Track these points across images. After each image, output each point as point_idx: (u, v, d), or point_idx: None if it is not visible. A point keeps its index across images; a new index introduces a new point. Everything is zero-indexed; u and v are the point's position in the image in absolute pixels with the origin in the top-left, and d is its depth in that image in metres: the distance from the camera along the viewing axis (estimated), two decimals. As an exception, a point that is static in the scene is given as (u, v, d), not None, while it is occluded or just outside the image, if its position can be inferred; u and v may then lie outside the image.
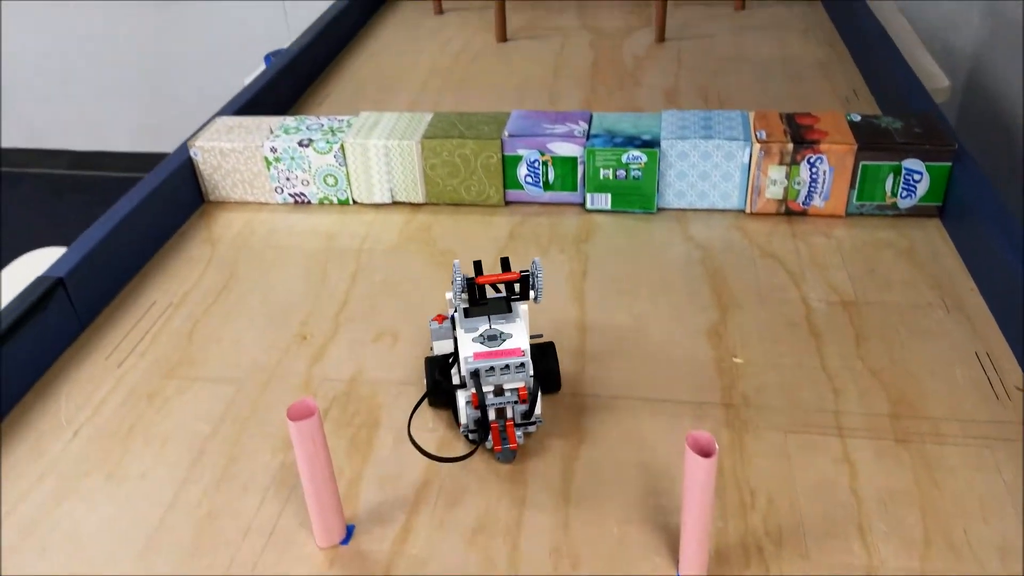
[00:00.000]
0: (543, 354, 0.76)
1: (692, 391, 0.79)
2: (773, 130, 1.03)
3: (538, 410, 0.72)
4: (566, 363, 0.84)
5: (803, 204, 1.03)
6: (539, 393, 0.71)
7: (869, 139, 1.00)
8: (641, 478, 0.71)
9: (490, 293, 0.74)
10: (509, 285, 0.73)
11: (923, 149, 0.98)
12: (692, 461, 0.56)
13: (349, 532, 0.69)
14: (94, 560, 0.67)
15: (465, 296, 0.72)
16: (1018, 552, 0.62)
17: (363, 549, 0.67)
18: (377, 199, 1.14)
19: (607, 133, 1.07)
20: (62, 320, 0.92)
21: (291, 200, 1.16)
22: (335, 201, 1.15)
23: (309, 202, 1.16)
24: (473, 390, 0.69)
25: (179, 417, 0.81)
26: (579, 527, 0.67)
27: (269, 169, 1.14)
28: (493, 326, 0.69)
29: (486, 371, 0.68)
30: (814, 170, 1.00)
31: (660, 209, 1.09)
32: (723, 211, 1.07)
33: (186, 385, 0.85)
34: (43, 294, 0.90)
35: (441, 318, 0.76)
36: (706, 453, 0.56)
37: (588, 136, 1.07)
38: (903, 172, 0.99)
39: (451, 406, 0.76)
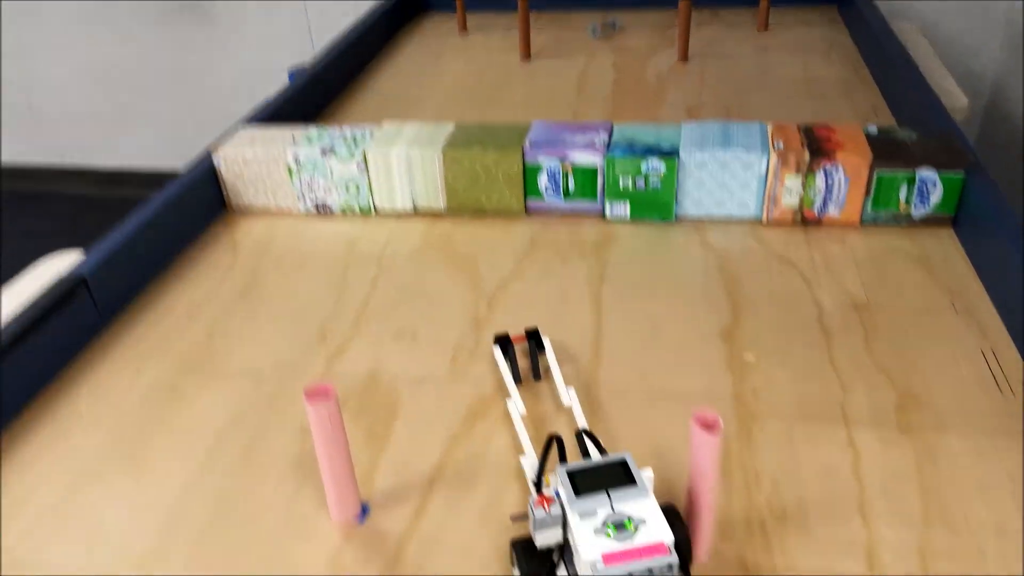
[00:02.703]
0: (669, 523, 0.57)
1: (703, 386, 0.84)
2: (790, 140, 1.08)
3: None
4: (584, 361, 0.89)
5: (818, 213, 1.08)
6: None
7: (884, 149, 1.05)
8: (651, 464, 0.75)
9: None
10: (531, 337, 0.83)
11: (937, 159, 1.03)
12: (698, 437, 0.61)
13: (364, 511, 0.74)
14: (112, 541, 0.72)
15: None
16: (1016, 533, 0.66)
17: (378, 527, 0.72)
18: (399, 207, 1.20)
19: (627, 143, 1.13)
20: (84, 318, 0.98)
21: (313, 209, 1.22)
22: (356, 209, 1.22)
23: (331, 210, 1.22)
24: None
25: (198, 410, 0.87)
26: (588, 507, 0.72)
27: (292, 178, 1.20)
28: (616, 507, 0.55)
29: None
30: (830, 179, 1.06)
31: (678, 218, 1.14)
32: (740, 220, 1.12)
33: (205, 381, 0.91)
34: (67, 291, 0.96)
35: (546, 500, 0.57)
36: (711, 429, 0.60)
37: (608, 146, 1.13)
38: (917, 181, 1.04)
39: None
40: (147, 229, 1.09)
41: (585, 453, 0.69)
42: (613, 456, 0.61)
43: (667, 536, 0.54)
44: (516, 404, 0.80)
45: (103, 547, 0.72)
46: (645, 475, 0.60)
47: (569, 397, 0.80)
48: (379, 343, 0.95)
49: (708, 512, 0.65)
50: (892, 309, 0.93)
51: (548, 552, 0.58)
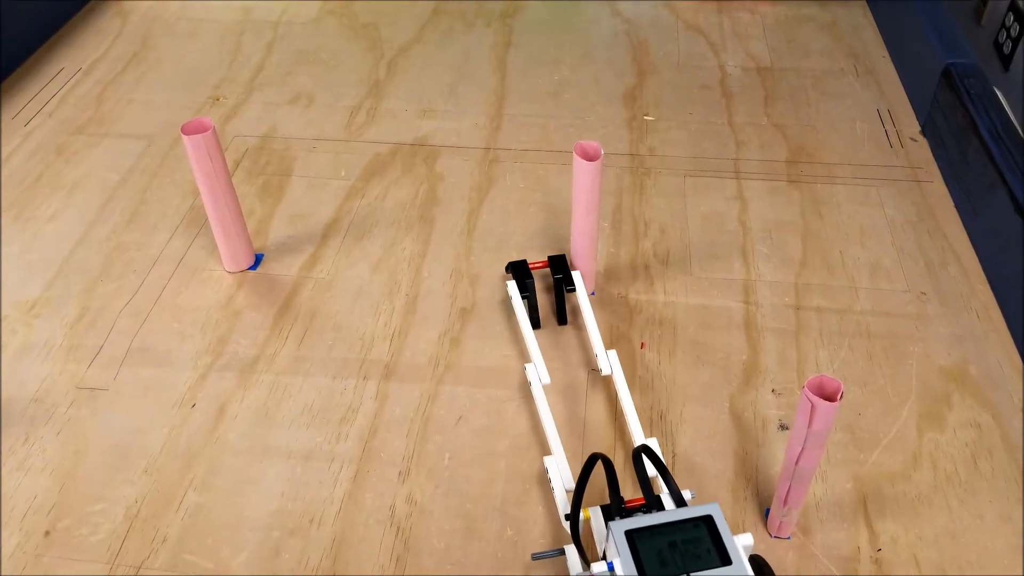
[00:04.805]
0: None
1: (601, 143, 0.84)
2: (704, -99, 1.05)
3: None
4: (483, 123, 0.89)
5: (731, -20, 1.07)
6: None
7: (800, -89, 1.03)
8: (541, 214, 0.77)
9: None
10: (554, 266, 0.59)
11: (853, -79, 1.02)
12: (579, 166, 0.62)
13: (258, 260, 0.74)
14: (6, 282, 0.72)
15: None
16: (888, 269, 0.70)
17: (271, 274, 0.72)
18: (297, -27, 1.15)
19: (536, -96, 1.09)
20: (-36, 76, 0.94)
21: (206, -26, 1.16)
22: (253, -25, 1.16)
23: (225, -24, 1.16)
24: None
25: (88, 168, 0.85)
26: (479, 254, 0.73)
27: (181, -63, 1.13)
28: None
29: None
30: (743, -57, 1.04)
31: (589, -12, 1.11)
32: (652, -11, 1.10)
33: (96, 141, 0.89)
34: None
35: None
36: (591, 158, 0.61)
37: (516, -94, 1.08)
38: (831, -55, 1.03)
39: None
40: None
41: (643, 477, 0.47)
42: (694, 509, 0.42)
43: None
44: (538, 370, 0.57)
45: (-15, 294, 0.72)
46: (741, 543, 0.42)
47: (609, 363, 0.58)
48: (274, 106, 0.93)
49: (590, 241, 0.66)
50: (795, 72, 0.94)
51: None
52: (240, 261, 0.73)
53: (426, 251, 0.74)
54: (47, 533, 0.55)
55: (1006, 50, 0.75)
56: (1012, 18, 0.74)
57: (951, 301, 0.68)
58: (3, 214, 0.80)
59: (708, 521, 0.43)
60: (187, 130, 0.64)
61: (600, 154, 0.60)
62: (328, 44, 1.02)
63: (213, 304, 0.70)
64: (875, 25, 1.00)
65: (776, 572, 0.50)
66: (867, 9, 1.03)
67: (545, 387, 0.59)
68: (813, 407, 0.45)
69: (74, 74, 0.99)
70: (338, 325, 0.67)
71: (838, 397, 0.45)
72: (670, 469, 0.56)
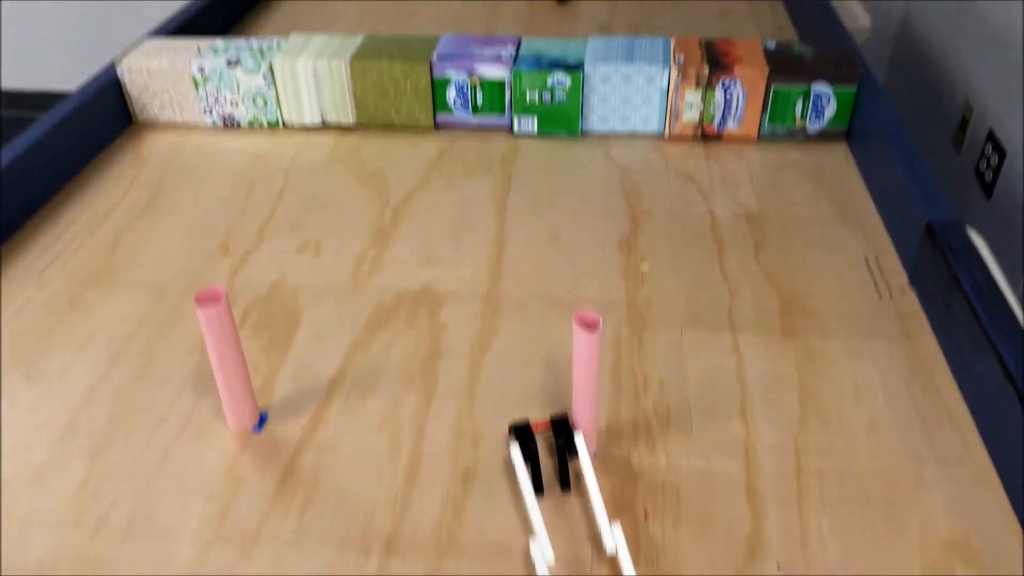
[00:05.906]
0: None
1: (599, 293, 0.83)
2: (691, 55, 1.06)
3: None
4: (481, 267, 0.87)
5: (718, 127, 1.07)
6: None
7: (781, 64, 1.04)
8: (543, 370, 0.75)
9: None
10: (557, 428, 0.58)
11: (832, 74, 1.02)
12: (579, 336, 0.60)
13: (262, 419, 0.72)
14: (13, 446, 0.69)
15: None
16: (884, 428, 0.68)
17: (275, 436, 0.70)
18: (307, 121, 1.16)
19: (534, 57, 1.10)
20: (-16, 229, 0.93)
21: (220, 122, 1.17)
22: (264, 123, 1.17)
23: (239, 124, 1.17)
24: None
25: (99, 320, 0.83)
26: (482, 411, 0.71)
27: (198, 90, 1.15)
28: None
29: None
30: (728, 94, 1.04)
31: (585, 133, 1.12)
32: (644, 136, 1.11)
33: (107, 291, 0.87)
34: (-36, 202, 0.91)
35: None
36: (590, 328, 0.59)
37: (515, 60, 1.09)
38: (812, 96, 1.03)
39: None
40: (48, 140, 1.03)
41: None
42: None
43: None
44: (542, 548, 0.54)
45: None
46: None
47: (614, 540, 0.56)
48: (282, 255, 0.92)
49: (591, 407, 0.64)
50: (782, 220, 0.93)
51: None
52: (245, 422, 0.71)
53: (428, 408, 0.72)
54: None
55: (987, 179, 0.73)
56: (991, 147, 0.73)
57: (947, 464, 0.65)
58: (15, 372, 0.78)
59: None
60: (200, 300, 0.63)
61: (599, 325, 0.59)
62: (336, 191, 1.02)
63: (216, 470, 0.67)
64: (858, 171, 1.00)
65: None
66: (849, 155, 1.04)
67: (549, 566, 0.56)
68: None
69: (90, 221, 0.99)
70: (340, 493, 0.65)
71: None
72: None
